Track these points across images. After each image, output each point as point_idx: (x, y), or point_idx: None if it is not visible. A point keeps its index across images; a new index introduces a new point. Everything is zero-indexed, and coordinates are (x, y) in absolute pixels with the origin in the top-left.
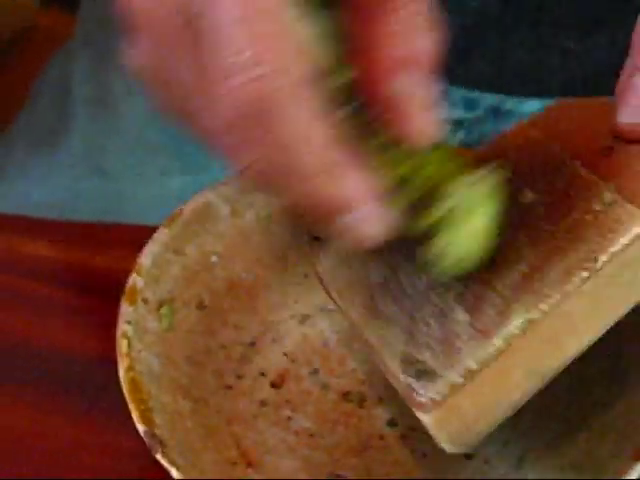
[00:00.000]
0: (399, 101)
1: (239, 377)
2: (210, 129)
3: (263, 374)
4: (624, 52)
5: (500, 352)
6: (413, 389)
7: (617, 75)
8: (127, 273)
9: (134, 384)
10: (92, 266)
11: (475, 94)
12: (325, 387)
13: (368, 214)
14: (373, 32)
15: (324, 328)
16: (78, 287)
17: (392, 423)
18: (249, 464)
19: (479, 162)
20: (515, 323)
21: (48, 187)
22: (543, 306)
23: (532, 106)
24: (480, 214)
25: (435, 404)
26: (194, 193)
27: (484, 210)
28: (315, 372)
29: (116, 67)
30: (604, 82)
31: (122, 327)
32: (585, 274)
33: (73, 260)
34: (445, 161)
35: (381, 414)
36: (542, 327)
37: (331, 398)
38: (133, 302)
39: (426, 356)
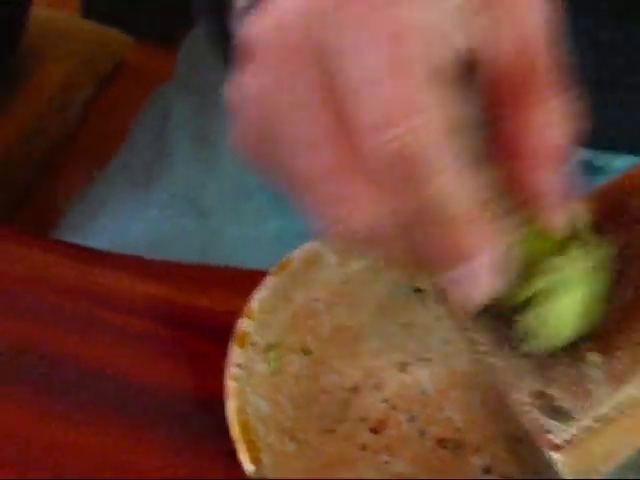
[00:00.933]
0: (544, 193)
1: (340, 421)
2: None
3: (363, 419)
4: None
5: (633, 399)
6: (545, 427)
7: None
8: (229, 315)
9: (245, 425)
10: (196, 306)
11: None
12: (422, 433)
13: (486, 269)
14: (515, 122)
15: (422, 376)
16: (183, 327)
17: (487, 470)
18: None
19: (600, 200)
20: None
21: (145, 223)
22: None
23: (624, 162)
24: (577, 292)
25: (567, 445)
26: (290, 236)
27: (582, 288)
28: (413, 419)
29: (216, 108)
30: None
31: (232, 370)
32: None
33: (178, 300)
34: (543, 237)
35: (476, 461)
36: None
37: (428, 445)
38: (242, 345)
39: (557, 393)
